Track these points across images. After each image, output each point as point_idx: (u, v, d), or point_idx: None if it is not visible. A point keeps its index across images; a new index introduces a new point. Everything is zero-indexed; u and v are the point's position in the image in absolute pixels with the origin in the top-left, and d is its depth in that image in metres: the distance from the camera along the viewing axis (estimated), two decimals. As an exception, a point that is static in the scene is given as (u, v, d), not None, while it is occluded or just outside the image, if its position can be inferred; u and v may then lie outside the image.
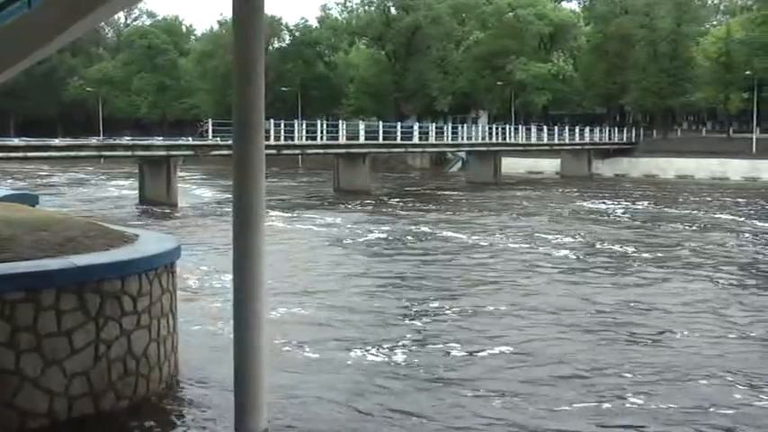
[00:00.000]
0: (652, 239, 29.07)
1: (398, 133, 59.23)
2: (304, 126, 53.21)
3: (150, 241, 12.07)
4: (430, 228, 32.05)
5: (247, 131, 9.57)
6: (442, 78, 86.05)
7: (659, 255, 24.87)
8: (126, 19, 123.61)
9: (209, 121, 47.98)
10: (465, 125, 70.01)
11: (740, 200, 47.46)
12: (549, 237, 29.07)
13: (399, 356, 13.21)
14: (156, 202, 41.52)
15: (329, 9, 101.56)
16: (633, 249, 25.89)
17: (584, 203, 44.43)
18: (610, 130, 76.31)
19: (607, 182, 65.03)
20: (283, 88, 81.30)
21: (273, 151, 46.75)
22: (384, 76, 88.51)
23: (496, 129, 68.94)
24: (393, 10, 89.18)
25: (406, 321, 15.89)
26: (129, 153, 45.55)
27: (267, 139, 40.91)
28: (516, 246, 26.85)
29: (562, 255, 24.87)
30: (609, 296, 18.29)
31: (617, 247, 26.38)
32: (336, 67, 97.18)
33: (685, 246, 27.13)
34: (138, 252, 10.98)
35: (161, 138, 52.48)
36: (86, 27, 12.25)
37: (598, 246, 26.97)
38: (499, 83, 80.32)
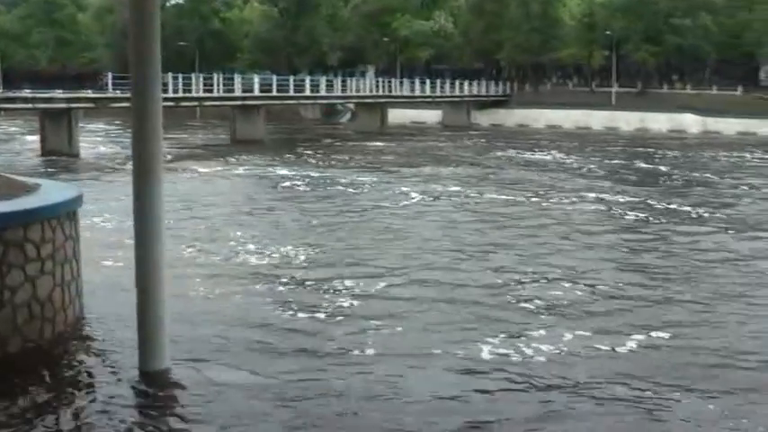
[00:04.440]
0: (652, 190, 28.98)
1: (291, 86, 58.72)
2: (201, 79, 52.14)
3: (52, 190, 11.68)
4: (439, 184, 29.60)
5: (144, 84, 9.32)
6: (331, 34, 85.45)
7: (706, 207, 24.61)
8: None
9: (109, 75, 46.53)
10: (354, 78, 69.64)
11: (642, 148, 49.70)
12: (564, 193, 27.54)
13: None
14: (59, 153, 40.04)
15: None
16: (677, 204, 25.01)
17: (512, 153, 44.72)
18: (487, 84, 77.20)
19: (493, 131, 66.25)
20: (181, 43, 79.23)
21: (172, 103, 45.65)
22: (277, 31, 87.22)
23: (383, 82, 68.89)
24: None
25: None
26: (30, 105, 43.70)
27: (165, 91, 40.00)
28: (568, 204, 24.95)
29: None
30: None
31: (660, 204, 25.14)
32: (231, 23, 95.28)
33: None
34: (41, 201, 10.61)
35: (61, 91, 50.56)
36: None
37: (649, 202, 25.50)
38: (385, 39, 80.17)
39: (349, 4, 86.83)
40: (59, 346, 10.25)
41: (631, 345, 11.02)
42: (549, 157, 42.89)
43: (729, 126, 64.50)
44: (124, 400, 9.03)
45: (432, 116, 74.31)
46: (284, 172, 33.61)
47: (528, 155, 44.08)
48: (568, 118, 70.36)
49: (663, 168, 37.78)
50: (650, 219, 22.37)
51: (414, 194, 26.65)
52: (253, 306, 12.68)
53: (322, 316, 12.20)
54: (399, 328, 11.64)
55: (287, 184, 29.90)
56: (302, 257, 16.44)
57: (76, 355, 10.28)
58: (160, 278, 9.48)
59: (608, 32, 70.86)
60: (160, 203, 9.44)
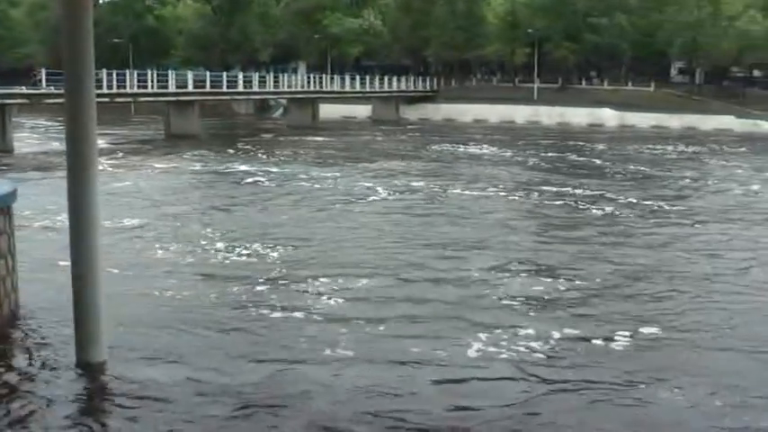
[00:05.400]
0: (604, 183, 29.18)
1: (224, 82, 58.07)
2: (135, 75, 51.17)
3: (-15, 186, 11.37)
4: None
5: (78, 80, 9.12)
6: (264, 31, 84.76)
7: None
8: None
9: (43, 71, 45.31)
10: (285, 74, 69.16)
11: (572, 142, 50.34)
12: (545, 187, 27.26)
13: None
14: (-8, 148, 38.97)
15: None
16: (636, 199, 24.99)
17: (451, 148, 44.43)
18: (415, 80, 77.45)
19: (423, 125, 66.64)
20: (115, 40, 77.63)
21: (106, 99, 44.68)
22: (210, 28, 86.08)
23: (314, 78, 68.66)
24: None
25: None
26: (-38, 102, 42.29)
27: (99, 87, 39.12)
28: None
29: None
30: None
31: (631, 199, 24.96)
32: (165, 20, 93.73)
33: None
34: (-26, 196, 10.33)
35: (-6, 86, 49.05)
36: None
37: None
38: (316, 36, 79.87)
39: (281, 2, 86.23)
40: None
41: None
42: (488, 151, 43.06)
43: (644, 120, 66.06)
44: (60, 391, 8.88)
45: (362, 111, 74.26)
46: (243, 167, 32.72)
47: (468, 149, 44.14)
48: (493, 112, 71.04)
49: (598, 162, 38.26)
50: (616, 213, 22.28)
51: (379, 189, 26.15)
52: (221, 306, 12.19)
53: (299, 315, 11.73)
54: (381, 327, 11.25)
55: (249, 179, 28.97)
56: (275, 255, 15.82)
57: (12, 350, 10.07)
58: (96, 272, 9.32)
59: (530, 31, 71.78)
60: (95, 198, 9.27)
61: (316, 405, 8.62)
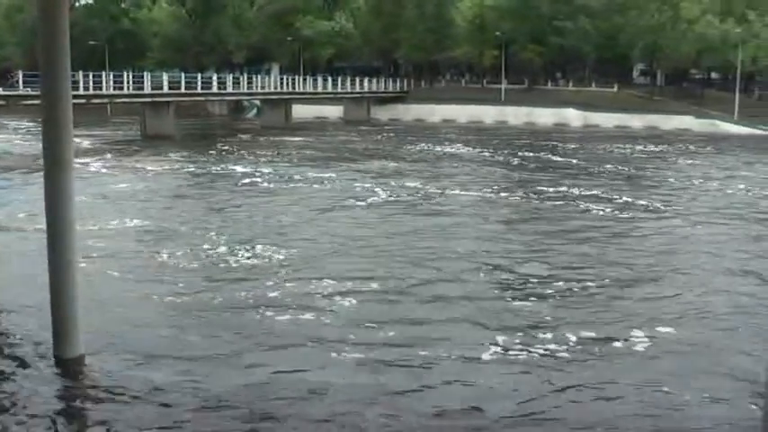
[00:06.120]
0: (594, 183, 29.22)
1: (199, 83, 57.85)
2: (111, 77, 50.82)
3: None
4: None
5: (55, 81, 9.19)
6: (238, 34, 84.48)
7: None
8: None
9: (20, 73, 44.86)
10: (259, 76, 69.01)
11: (544, 141, 50.82)
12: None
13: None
14: (-30, 148, 38.54)
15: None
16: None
17: (429, 147, 44.45)
18: (385, 81, 77.52)
19: (394, 125, 66.76)
20: (91, 42, 76.94)
21: (83, 101, 44.35)
22: (185, 31, 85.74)
23: (287, 79, 68.61)
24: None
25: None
26: (-61, 103, 41.88)
27: (76, 89, 38.83)
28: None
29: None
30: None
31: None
32: (141, 23, 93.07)
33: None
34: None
35: (-30, 88, 48.42)
36: None
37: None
38: (289, 38, 79.77)
39: (254, 5, 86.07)
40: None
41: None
42: (465, 151, 43.18)
43: (607, 120, 66.65)
44: (36, 384, 8.94)
45: (333, 111, 74.20)
46: (238, 168, 32.45)
47: (446, 149, 44.19)
48: (463, 113, 71.27)
49: (575, 161, 38.42)
50: (617, 214, 22.33)
51: (377, 190, 25.89)
52: (221, 309, 12.10)
53: (308, 317, 11.66)
54: (391, 333, 11.15)
55: (246, 180, 28.68)
56: (279, 257, 15.59)
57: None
58: (73, 270, 9.38)
59: (497, 33, 72.17)
60: (71, 196, 9.35)
61: (319, 406, 8.68)
